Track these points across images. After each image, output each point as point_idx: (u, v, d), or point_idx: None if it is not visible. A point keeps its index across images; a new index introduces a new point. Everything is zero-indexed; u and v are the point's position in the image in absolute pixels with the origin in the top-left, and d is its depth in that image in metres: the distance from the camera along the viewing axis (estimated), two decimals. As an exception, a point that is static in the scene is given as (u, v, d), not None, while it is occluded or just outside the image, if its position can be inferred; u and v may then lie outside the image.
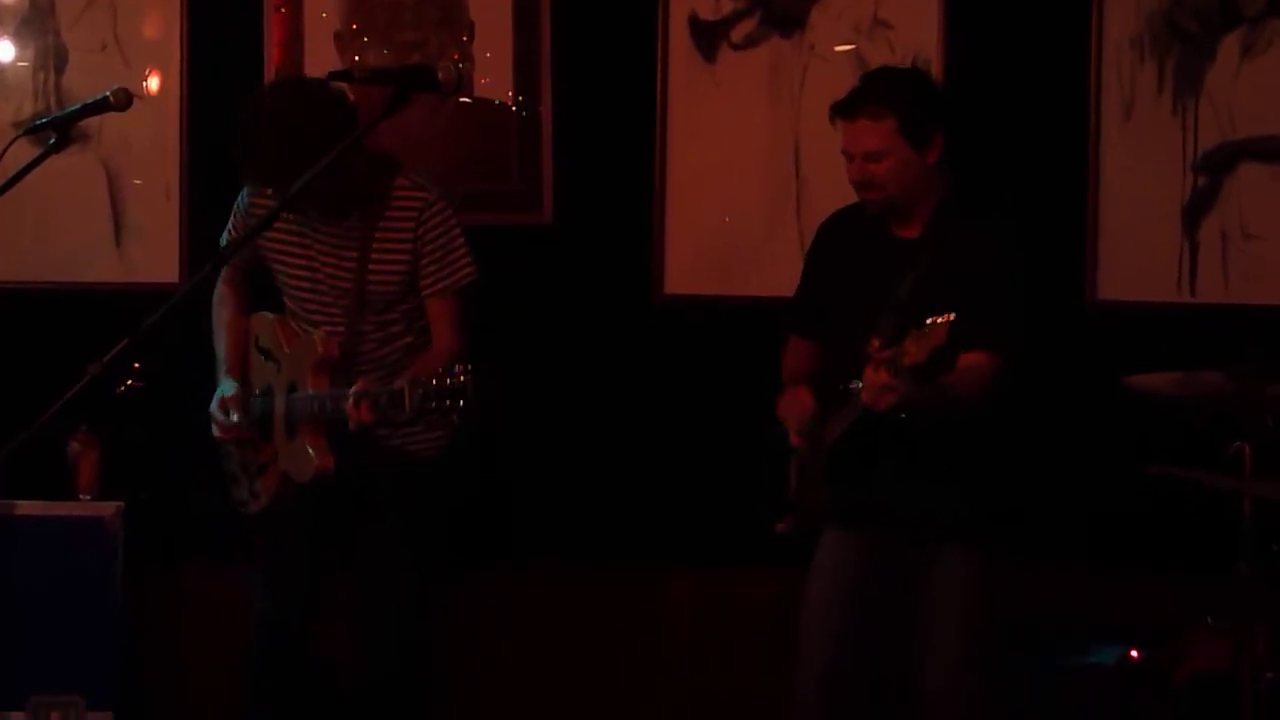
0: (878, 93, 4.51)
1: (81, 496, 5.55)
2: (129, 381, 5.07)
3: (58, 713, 5.38)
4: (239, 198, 4.95)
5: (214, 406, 4.86)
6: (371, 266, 4.74)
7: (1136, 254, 5.64)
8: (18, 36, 5.76)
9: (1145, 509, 5.44)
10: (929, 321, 3.98)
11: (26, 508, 5.43)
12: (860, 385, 4.16)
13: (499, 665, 5.81)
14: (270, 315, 4.91)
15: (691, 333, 5.73)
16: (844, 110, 4.51)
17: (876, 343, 4.10)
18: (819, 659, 4.63)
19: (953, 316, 3.97)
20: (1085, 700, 5.00)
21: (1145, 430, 5.30)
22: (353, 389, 4.48)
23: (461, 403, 4.19)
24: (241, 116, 4.67)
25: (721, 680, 5.73)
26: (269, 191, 4.80)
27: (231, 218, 4.97)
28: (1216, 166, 5.62)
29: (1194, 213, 5.63)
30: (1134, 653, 4.97)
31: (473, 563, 5.63)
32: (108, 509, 5.46)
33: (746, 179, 5.74)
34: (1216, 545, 4.74)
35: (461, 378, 4.19)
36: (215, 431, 4.87)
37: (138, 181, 5.77)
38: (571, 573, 5.77)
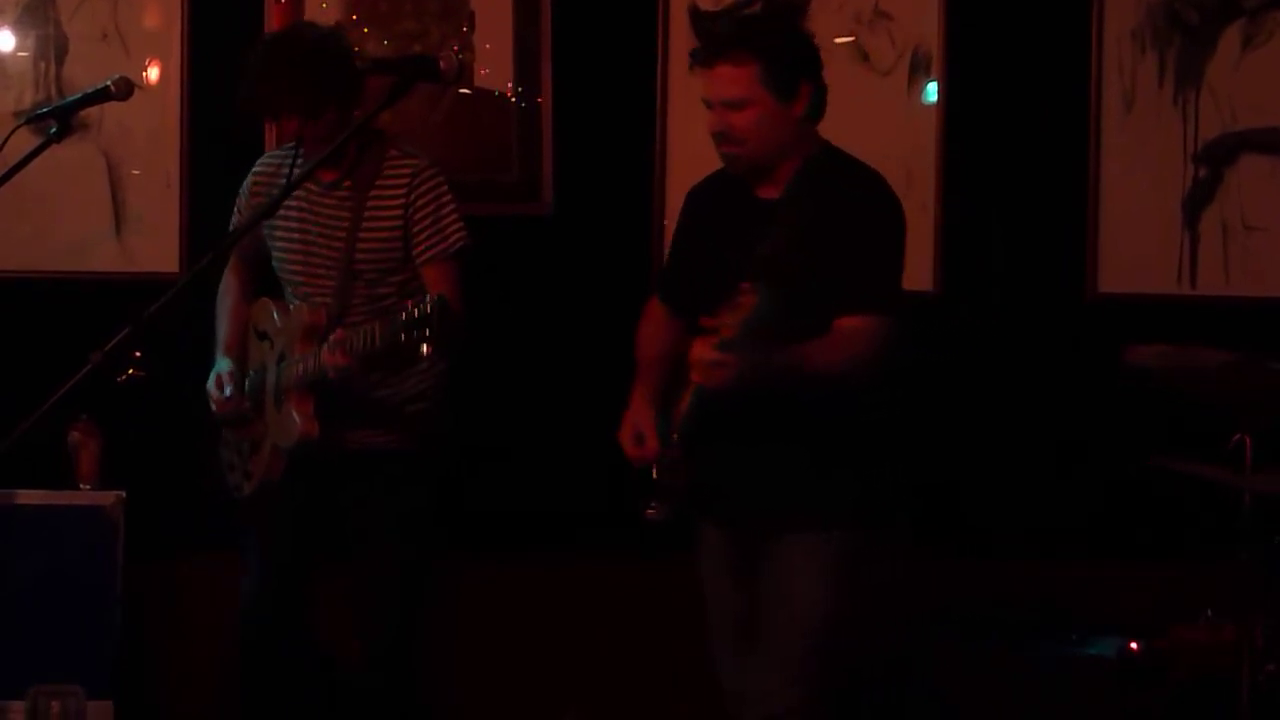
0: (739, 37, 4.08)
1: (82, 486, 5.55)
2: (130, 371, 5.07)
3: (58, 702, 5.37)
4: (242, 187, 4.97)
5: (210, 384, 4.91)
6: (362, 235, 4.75)
7: (1137, 246, 5.65)
8: (18, 26, 5.75)
9: (1146, 501, 5.45)
10: (737, 298, 3.72)
11: (27, 497, 5.43)
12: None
13: (488, 655, 5.81)
14: (269, 300, 4.94)
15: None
16: (702, 57, 4.11)
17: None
18: (726, 681, 4.34)
19: (759, 286, 3.71)
20: (1084, 692, 5.01)
21: (1146, 422, 5.30)
22: (330, 339, 4.55)
23: (428, 331, 4.16)
24: (253, 52, 4.73)
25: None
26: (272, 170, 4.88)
27: (235, 210, 4.99)
28: (1217, 158, 5.63)
29: (1195, 205, 5.64)
30: (1133, 645, 4.98)
31: (470, 553, 5.64)
32: (108, 498, 5.45)
33: (747, 170, 5.73)
34: (1217, 537, 4.75)
35: (428, 307, 4.17)
36: (212, 407, 4.90)
37: (137, 171, 5.77)
38: (571, 564, 5.78)
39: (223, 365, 4.92)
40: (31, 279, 5.77)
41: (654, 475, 4.23)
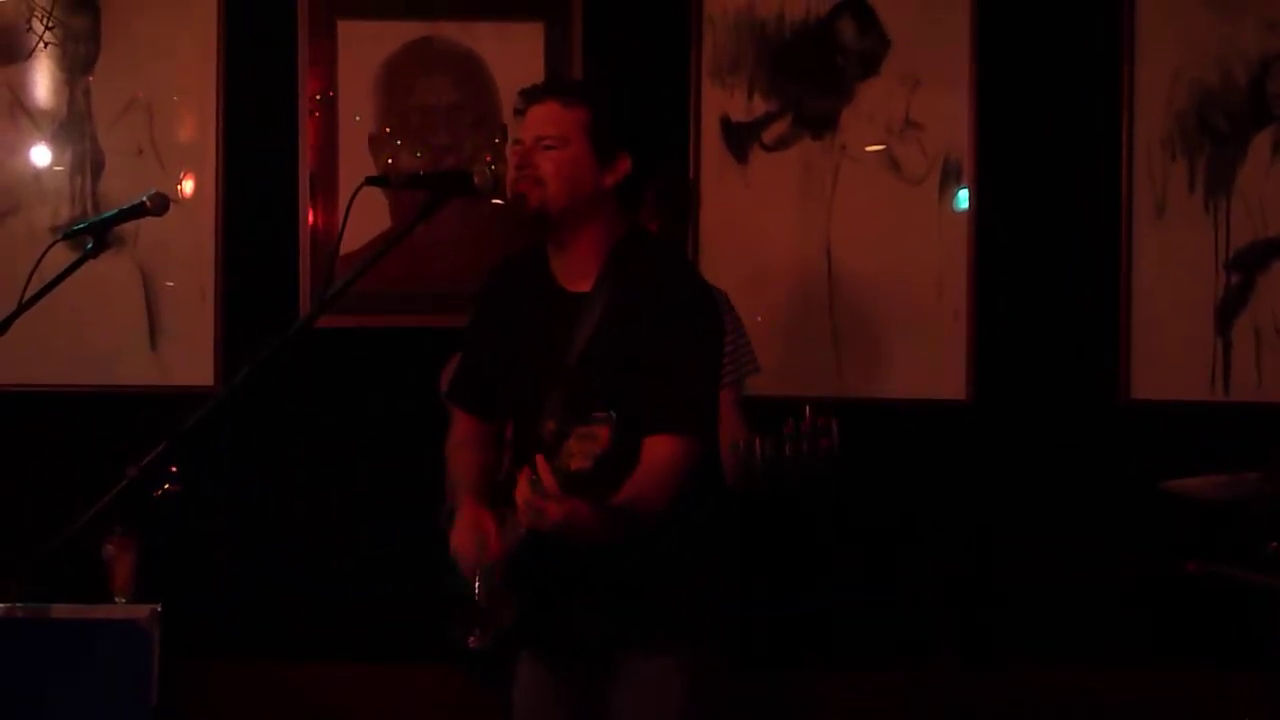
0: (576, 84, 4.09)
1: (116, 599, 5.54)
2: (166, 485, 5.08)
3: (91, 817, 5.36)
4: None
5: None
6: None
7: (1169, 353, 5.64)
8: (55, 141, 5.80)
9: (1183, 607, 5.41)
10: (590, 425, 3.36)
11: (61, 611, 5.42)
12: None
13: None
14: None
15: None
16: (534, 94, 3.90)
17: (547, 429, 3.51)
18: None
19: (613, 418, 3.35)
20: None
21: (1183, 529, 5.28)
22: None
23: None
24: None
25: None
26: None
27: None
28: (1249, 265, 5.63)
29: (1227, 311, 5.63)
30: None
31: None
32: (142, 612, 5.44)
33: (779, 279, 5.74)
34: (1254, 643, 4.72)
35: None
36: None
37: (171, 284, 5.79)
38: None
39: None
40: (66, 392, 5.79)
41: (477, 602, 3.91)
